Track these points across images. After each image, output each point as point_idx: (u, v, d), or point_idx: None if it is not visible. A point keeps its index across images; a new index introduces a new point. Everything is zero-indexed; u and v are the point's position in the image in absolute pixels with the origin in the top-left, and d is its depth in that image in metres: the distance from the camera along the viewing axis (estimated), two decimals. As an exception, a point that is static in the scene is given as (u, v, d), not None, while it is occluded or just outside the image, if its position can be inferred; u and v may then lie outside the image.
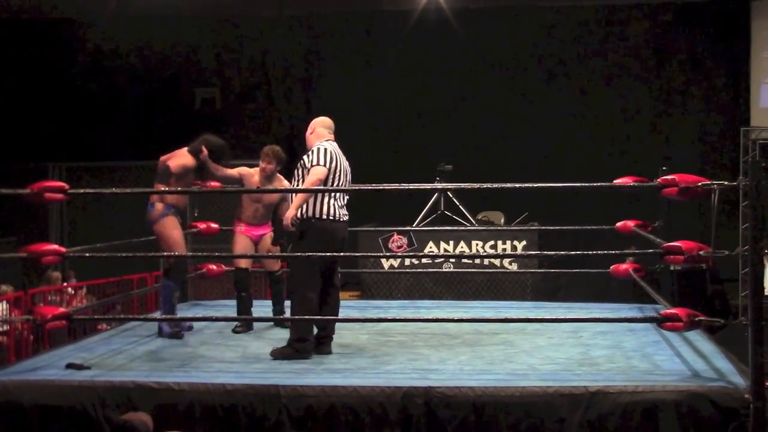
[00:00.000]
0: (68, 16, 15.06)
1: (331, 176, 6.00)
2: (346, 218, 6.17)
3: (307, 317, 5.97)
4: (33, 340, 8.87)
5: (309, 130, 6.24)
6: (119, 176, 14.11)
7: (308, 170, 6.01)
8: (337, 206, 6.07)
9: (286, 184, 7.33)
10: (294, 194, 6.10)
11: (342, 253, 5.98)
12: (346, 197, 6.20)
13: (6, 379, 5.32)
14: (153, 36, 15.29)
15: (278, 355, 5.89)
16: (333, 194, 6.03)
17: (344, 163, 6.14)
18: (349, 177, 6.20)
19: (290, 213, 6.06)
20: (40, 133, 15.04)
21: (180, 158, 6.91)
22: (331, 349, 6.07)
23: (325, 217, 6.01)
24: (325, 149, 6.03)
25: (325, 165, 5.96)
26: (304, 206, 6.02)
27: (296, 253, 6.13)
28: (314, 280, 6.03)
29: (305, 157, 6.08)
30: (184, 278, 6.97)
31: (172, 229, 6.83)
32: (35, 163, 14.02)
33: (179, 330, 6.80)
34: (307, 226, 6.03)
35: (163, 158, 6.93)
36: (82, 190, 6.13)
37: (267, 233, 7.54)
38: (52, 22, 15.16)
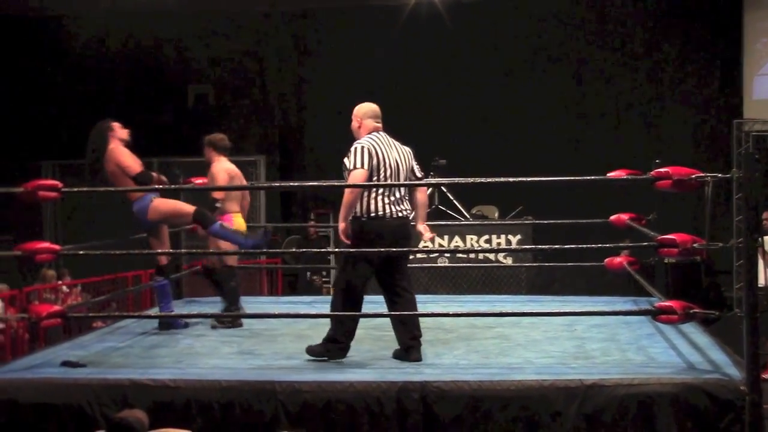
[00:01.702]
0: (60, 13, 15.02)
1: (375, 175, 5.64)
2: (402, 214, 5.74)
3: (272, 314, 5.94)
4: (28, 338, 8.87)
5: (355, 123, 5.86)
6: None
7: (349, 173, 5.68)
8: (386, 203, 5.67)
9: (214, 169, 7.29)
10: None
11: (337, 249, 5.80)
12: (402, 190, 5.81)
13: (1, 377, 5.32)
14: (145, 33, 15.27)
15: (311, 351, 5.70)
16: (381, 190, 5.67)
17: (393, 155, 5.73)
18: (403, 166, 5.76)
19: (340, 226, 5.77)
20: (34, 131, 15.01)
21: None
22: (421, 356, 5.68)
23: (373, 215, 5.66)
24: (362, 148, 5.65)
25: (363, 167, 5.60)
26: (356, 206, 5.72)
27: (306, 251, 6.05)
28: (352, 281, 5.72)
29: (346, 159, 5.71)
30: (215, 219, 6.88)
31: (166, 202, 6.77)
32: (29, 162, 14.01)
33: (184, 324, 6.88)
34: (357, 226, 5.73)
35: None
36: (75, 189, 6.12)
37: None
38: (43, 20, 15.12)
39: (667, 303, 5.33)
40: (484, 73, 14.54)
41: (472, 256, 10.48)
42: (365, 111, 5.88)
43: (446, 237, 10.66)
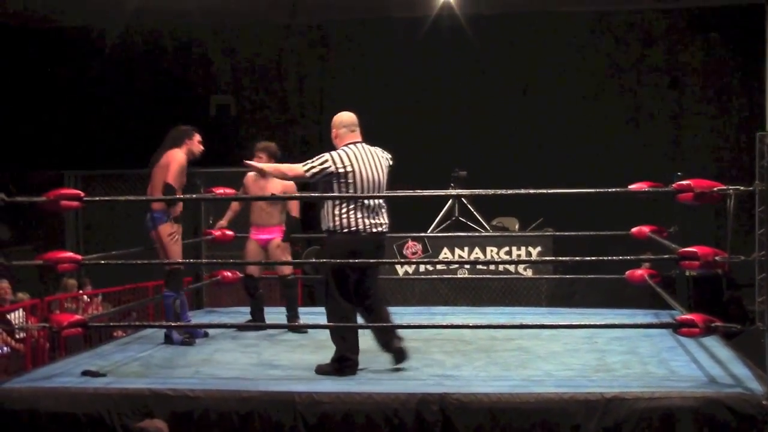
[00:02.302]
0: (82, 25, 15.11)
1: (345, 189, 5.60)
2: (378, 229, 5.69)
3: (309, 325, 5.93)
4: (49, 347, 8.89)
5: (332, 133, 5.86)
6: (134, 184, 14.15)
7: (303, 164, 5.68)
8: (359, 216, 5.62)
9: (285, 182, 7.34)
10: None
11: (354, 260, 5.64)
12: (382, 206, 5.73)
13: (22, 386, 5.35)
14: (167, 44, 15.35)
15: (320, 371, 5.64)
16: (357, 205, 5.62)
17: (368, 167, 5.67)
18: (378, 181, 5.70)
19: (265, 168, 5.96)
20: (56, 141, 15.10)
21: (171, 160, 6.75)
22: (401, 339, 5.77)
23: (346, 230, 5.62)
24: (324, 161, 5.60)
25: (307, 173, 5.59)
26: (328, 218, 5.68)
27: (318, 260, 6.06)
28: (340, 295, 5.67)
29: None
30: (181, 287, 6.88)
31: (170, 236, 6.71)
32: (51, 172, 14.07)
33: (190, 336, 6.79)
34: (328, 239, 5.72)
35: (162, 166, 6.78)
36: (97, 198, 6.14)
37: (274, 237, 7.54)
38: (65, 31, 15.21)
39: (689, 316, 5.30)
40: (505, 84, 14.51)
41: (492, 267, 10.46)
42: (341, 121, 5.89)
43: (466, 248, 10.64)
